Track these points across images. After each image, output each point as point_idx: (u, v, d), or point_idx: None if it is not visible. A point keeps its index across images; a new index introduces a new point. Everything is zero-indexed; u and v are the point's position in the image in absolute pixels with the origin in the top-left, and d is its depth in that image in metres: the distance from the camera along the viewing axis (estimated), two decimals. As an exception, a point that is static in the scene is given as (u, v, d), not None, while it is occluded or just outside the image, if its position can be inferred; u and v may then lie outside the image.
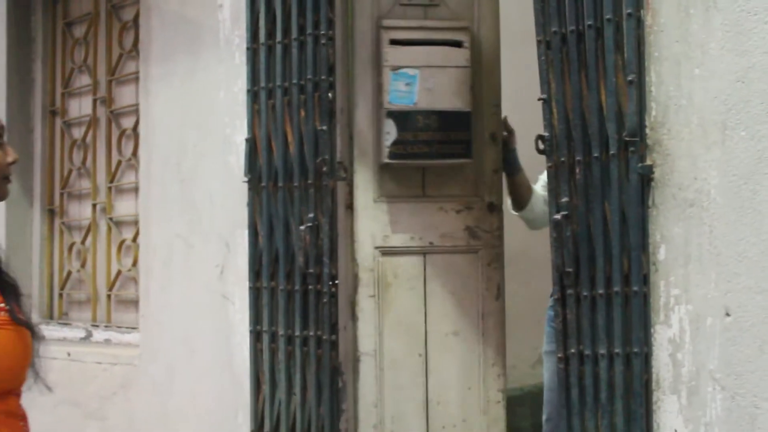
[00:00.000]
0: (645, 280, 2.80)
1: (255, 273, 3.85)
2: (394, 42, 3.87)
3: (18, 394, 2.01)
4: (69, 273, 5.33)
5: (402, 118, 3.84)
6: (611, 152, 2.86)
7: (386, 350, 3.88)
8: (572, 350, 2.94)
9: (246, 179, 3.89)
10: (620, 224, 2.85)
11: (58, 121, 5.44)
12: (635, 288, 2.81)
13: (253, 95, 3.87)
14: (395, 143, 3.83)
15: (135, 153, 4.88)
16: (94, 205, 5.17)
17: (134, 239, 4.86)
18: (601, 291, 2.88)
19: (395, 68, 3.84)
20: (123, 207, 5.03)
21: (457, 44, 3.94)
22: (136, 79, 4.83)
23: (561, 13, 2.98)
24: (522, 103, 4.23)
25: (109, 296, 5.07)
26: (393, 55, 3.86)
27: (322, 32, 3.66)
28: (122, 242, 4.97)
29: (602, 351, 2.87)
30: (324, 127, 3.66)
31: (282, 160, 3.77)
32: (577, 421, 2.94)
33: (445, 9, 4.00)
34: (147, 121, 4.64)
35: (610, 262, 2.87)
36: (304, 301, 3.70)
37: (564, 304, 2.97)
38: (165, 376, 4.48)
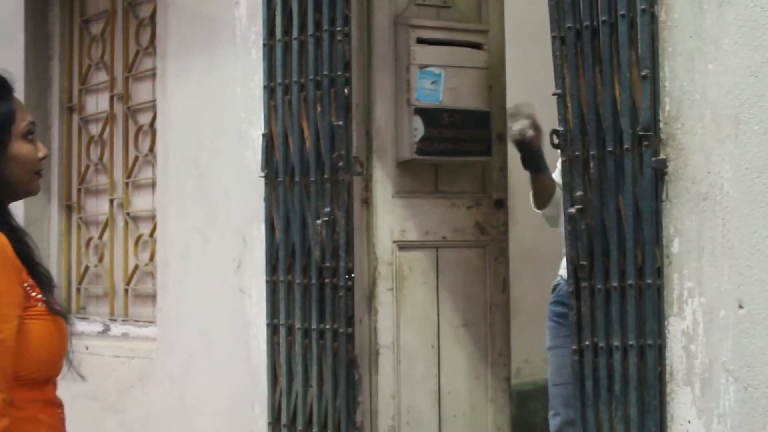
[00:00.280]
0: (659, 272, 2.82)
1: (272, 267, 3.89)
2: (421, 41, 3.93)
3: (55, 383, 2.05)
4: (86, 268, 5.38)
5: (429, 115, 3.91)
6: (625, 146, 2.88)
7: (403, 343, 3.93)
8: (587, 342, 2.97)
9: (263, 174, 3.92)
10: (634, 218, 2.87)
11: (76, 118, 5.49)
12: (649, 281, 2.83)
13: (269, 91, 3.90)
14: (422, 139, 3.89)
15: (152, 149, 4.92)
16: (111, 201, 5.21)
17: (151, 234, 4.91)
18: (615, 284, 2.90)
19: (422, 66, 3.90)
20: (140, 202, 5.07)
21: (477, 46, 4.03)
22: (153, 76, 4.88)
23: (576, 9, 3.00)
24: (532, 99, 4.25)
25: (126, 290, 5.12)
26: (420, 53, 3.92)
27: (338, 28, 3.69)
28: (139, 237, 5.02)
29: (616, 343, 2.90)
30: (340, 123, 3.69)
31: (298, 155, 3.80)
32: (591, 413, 2.97)
33: (456, 11, 4.09)
34: (164, 117, 4.68)
35: (624, 255, 2.89)
36: (321, 295, 3.74)
37: (578, 297, 2.99)
38: (182, 369, 4.52)
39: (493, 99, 4.11)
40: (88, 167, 5.42)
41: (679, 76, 2.79)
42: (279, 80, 3.86)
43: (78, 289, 5.43)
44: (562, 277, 3.78)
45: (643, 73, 2.83)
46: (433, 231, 4.04)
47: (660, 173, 2.82)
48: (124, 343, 4.94)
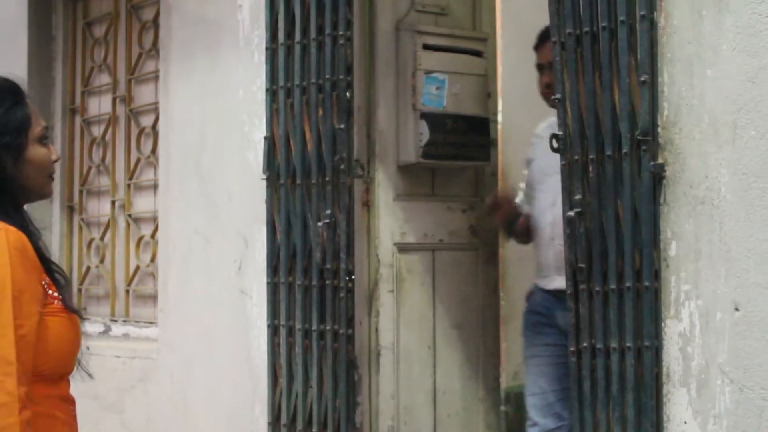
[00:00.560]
0: (656, 275, 2.84)
1: (273, 268, 3.92)
2: (427, 47, 3.98)
3: (68, 380, 2.09)
4: (88, 268, 5.41)
5: (434, 120, 3.98)
6: (624, 151, 2.91)
7: (402, 344, 3.98)
8: (584, 344, 2.99)
9: (264, 176, 3.95)
10: (632, 221, 2.89)
11: (78, 119, 5.52)
12: (646, 283, 2.85)
13: (272, 94, 3.93)
14: (428, 144, 3.95)
15: (154, 151, 4.95)
16: (113, 202, 5.24)
17: (152, 235, 4.94)
18: (613, 286, 2.93)
19: (428, 72, 3.96)
20: (141, 204, 5.10)
21: (477, 54, 4.09)
22: (156, 78, 4.91)
23: (576, 14, 3.03)
24: (531, 104, 4.29)
25: (127, 291, 5.15)
26: (426, 59, 3.98)
27: (341, 33, 3.71)
28: (141, 238, 5.05)
29: (614, 345, 2.92)
30: (342, 126, 3.72)
31: (300, 157, 3.83)
32: (588, 413, 2.99)
33: (452, 19, 4.16)
34: (166, 119, 4.71)
35: (622, 258, 2.92)
36: (321, 296, 3.76)
37: (577, 299, 3.02)
38: (183, 369, 4.55)
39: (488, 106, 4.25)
40: (90, 169, 5.44)
41: (677, 81, 2.81)
42: (281, 83, 3.89)
43: (79, 290, 5.44)
44: (536, 285, 3.78)
45: (642, 79, 2.86)
46: (430, 234, 4.13)
47: (658, 177, 2.84)
48: (125, 344, 4.96)
